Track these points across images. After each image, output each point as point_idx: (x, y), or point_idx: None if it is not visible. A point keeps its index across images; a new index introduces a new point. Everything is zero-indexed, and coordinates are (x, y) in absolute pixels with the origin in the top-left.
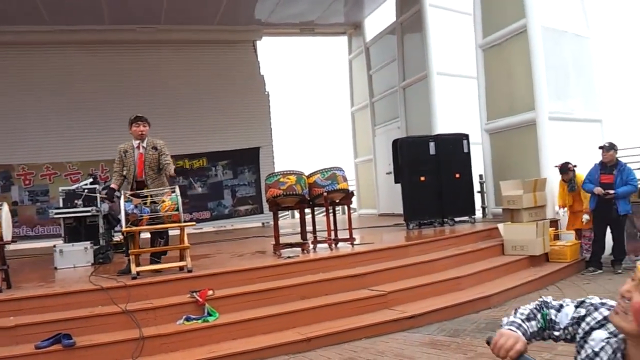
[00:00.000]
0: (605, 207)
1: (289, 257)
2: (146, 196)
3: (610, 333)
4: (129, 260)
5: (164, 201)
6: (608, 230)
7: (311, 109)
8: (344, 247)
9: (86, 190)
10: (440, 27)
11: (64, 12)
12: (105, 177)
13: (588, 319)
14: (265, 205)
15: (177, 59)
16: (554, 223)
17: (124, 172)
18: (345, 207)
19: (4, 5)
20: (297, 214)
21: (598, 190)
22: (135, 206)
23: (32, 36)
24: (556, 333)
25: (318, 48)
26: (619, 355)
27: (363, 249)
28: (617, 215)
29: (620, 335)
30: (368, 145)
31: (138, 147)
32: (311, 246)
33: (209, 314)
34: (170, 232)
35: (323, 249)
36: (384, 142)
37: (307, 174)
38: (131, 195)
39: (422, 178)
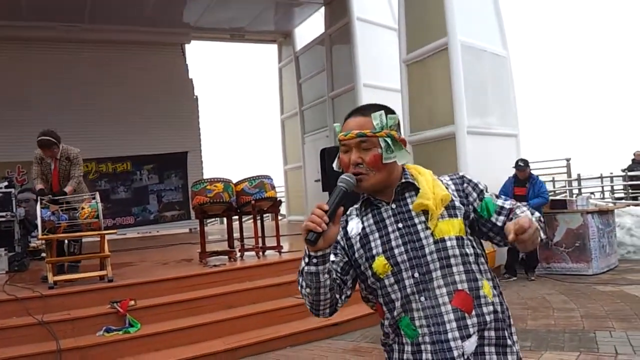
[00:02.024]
0: None
1: (215, 266)
2: (63, 203)
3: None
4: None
5: (83, 208)
6: None
7: (242, 115)
8: (271, 255)
9: (1, 194)
10: (368, 40)
11: None
12: (22, 179)
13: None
14: (192, 210)
15: (103, 59)
16: None
17: (43, 176)
18: (274, 215)
19: None
20: (225, 221)
21: None
22: (53, 213)
23: None
24: (332, 257)
25: (249, 54)
26: (383, 209)
27: (290, 257)
28: None
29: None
30: (297, 153)
31: (53, 159)
32: (238, 254)
33: (131, 325)
34: (91, 239)
35: (250, 257)
36: (313, 150)
37: (235, 181)
38: (49, 201)
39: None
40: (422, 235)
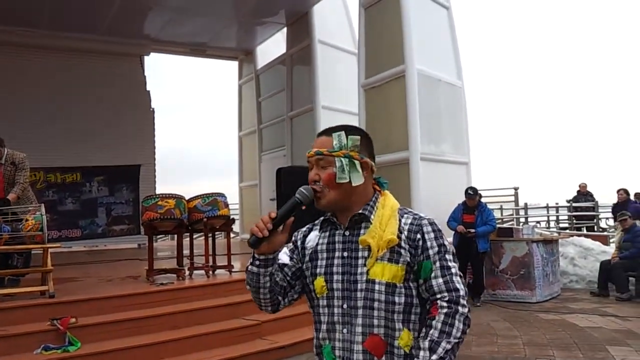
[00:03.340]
0: (467, 245)
1: (162, 284)
2: (7, 213)
3: (323, 231)
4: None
5: (27, 220)
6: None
7: (199, 130)
8: (221, 275)
9: None
10: (328, 63)
11: None
12: None
13: (300, 235)
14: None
15: (57, 66)
16: None
17: None
18: (226, 233)
19: None
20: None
21: (460, 228)
22: None
23: None
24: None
25: (210, 70)
26: (338, 232)
27: (241, 277)
28: (477, 252)
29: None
30: (254, 170)
31: None
32: (187, 273)
33: (70, 344)
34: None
35: (200, 276)
36: (270, 169)
37: (187, 198)
38: None
39: (303, 207)
40: (359, 270)
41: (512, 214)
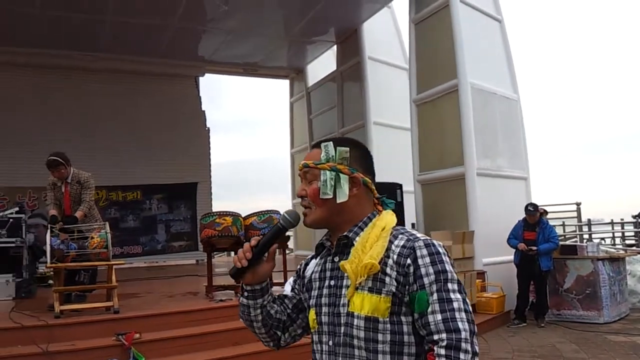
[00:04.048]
0: (529, 263)
1: (221, 300)
2: (73, 231)
3: (320, 257)
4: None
5: (92, 237)
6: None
7: (252, 148)
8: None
9: (11, 220)
10: (378, 79)
11: None
12: (32, 204)
13: (304, 262)
14: (199, 243)
15: (117, 88)
16: (481, 275)
17: (57, 202)
18: (281, 250)
19: None
20: (233, 254)
21: (522, 246)
22: (62, 241)
23: None
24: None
25: (261, 88)
26: (329, 259)
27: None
28: (540, 271)
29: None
30: None
31: (64, 182)
32: None
33: (135, 359)
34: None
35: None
36: None
37: (243, 215)
38: (59, 230)
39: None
40: (342, 301)
41: (575, 231)
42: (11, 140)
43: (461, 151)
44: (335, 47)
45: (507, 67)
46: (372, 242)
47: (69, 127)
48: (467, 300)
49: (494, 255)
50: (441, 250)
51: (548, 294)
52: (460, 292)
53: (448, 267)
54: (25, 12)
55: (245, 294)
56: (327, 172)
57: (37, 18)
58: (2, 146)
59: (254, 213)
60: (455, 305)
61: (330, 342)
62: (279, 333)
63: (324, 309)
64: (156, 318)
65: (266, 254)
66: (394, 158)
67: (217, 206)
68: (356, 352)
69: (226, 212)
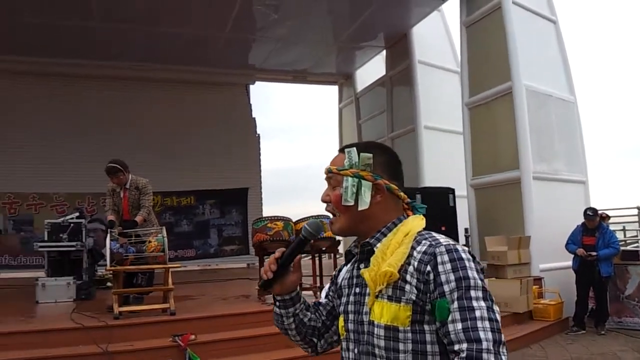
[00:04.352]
0: (588, 269)
1: (273, 304)
2: (131, 235)
3: (350, 263)
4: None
5: (150, 241)
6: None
7: (301, 154)
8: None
9: (72, 224)
10: (429, 83)
11: (57, 45)
12: (91, 210)
13: (338, 269)
14: (251, 247)
15: (171, 97)
16: (538, 281)
17: (115, 208)
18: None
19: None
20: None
21: (581, 251)
22: (121, 245)
23: (22, 67)
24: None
25: (310, 94)
26: (355, 266)
27: None
28: (600, 277)
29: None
30: None
31: (122, 188)
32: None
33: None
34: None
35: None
36: None
37: (294, 220)
38: (118, 234)
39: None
40: (364, 309)
41: (636, 236)
42: (72, 148)
43: (516, 155)
44: (384, 51)
45: (563, 69)
46: (393, 249)
47: (126, 134)
48: (495, 308)
49: (552, 261)
50: (464, 255)
51: (608, 301)
52: (485, 300)
53: (471, 273)
54: (91, 26)
55: (277, 303)
56: (350, 179)
57: (101, 32)
58: (63, 154)
59: (304, 218)
60: (477, 313)
61: (356, 350)
62: (314, 340)
63: (350, 317)
64: (211, 320)
65: (292, 265)
66: (446, 162)
67: (267, 211)
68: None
69: (277, 216)
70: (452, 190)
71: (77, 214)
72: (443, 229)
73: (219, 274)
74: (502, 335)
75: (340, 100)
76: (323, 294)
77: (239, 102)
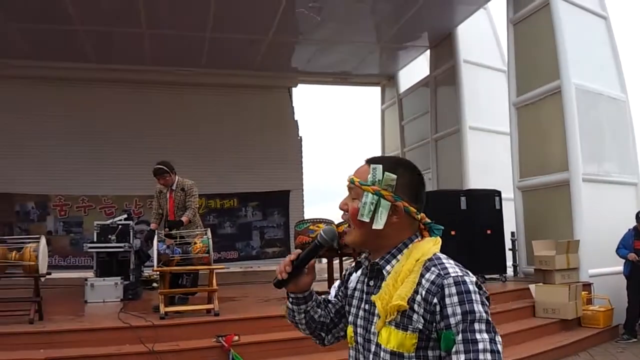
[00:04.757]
0: None
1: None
2: (182, 236)
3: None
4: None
5: (195, 243)
6: None
7: (342, 156)
8: None
9: (120, 226)
10: (474, 83)
11: (106, 51)
12: (138, 212)
13: (348, 271)
14: (293, 249)
15: (214, 101)
16: (587, 287)
17: (160, 211)
18: None
19: (52, 43)
20: (325, 260)
21: (632, 256)
22: (168, 246)
23: (74, 73)
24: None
25: (352, 96)
26: (366, 280)
27: None
28: None
29: (365, 261)
30: None
31: (169, 189)
32: None
33: None
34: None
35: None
36: None
37: (336, 222)
38: (165, 235)
39: (453, 232)
40: (373, 329)
41: None
42: (119, 152)
43: (565, 156)
44: (428, 51)
45: (614, 67)
46: (404, 277)
47: (172, 138)
48: (497, 339)
49: (601, 266)
50: (471, 287)
51: None
52: (488, 332)
53: (477, 306)
54: (138, 33)
55: (290, 299)
56: (370, 195)
57: (150, 38)
58: (112, 157)
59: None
60: (481, 346)
61: (371, 358)
62: (322, 334)
63: (359, 330)
64: (254, 321)
65: (306, 268)
66: (491, 164)
67: (309, 213)
68: None
69: (319, 219)
70: (499, 193)
71: (125, 215)
72: (488, 232)
73: (261, 276)
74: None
75: (382, 102)
76: (332, 292)
77: (282, 105)
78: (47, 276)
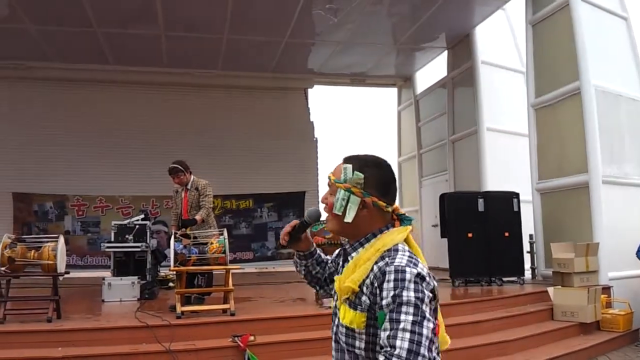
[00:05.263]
0: None
1: (330, 307)
2: (195, 237)
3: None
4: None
5: (212, 243)
6: None
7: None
8: None
9: (138, 226)
10: (492, 84)
11: (125, 53)
12: (155, 212)
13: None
14: None
15: (231, 102)
16: (606, 290)
17: (177, 210)
18: None
19: (71, 45)
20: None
21: None
22: (185, 246)
23: (93, 74)
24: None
25: (368, 97)
26: (341, 260)
27: None
28: None
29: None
30: (414, 196)
31: (184, 189)
32: None
33: None
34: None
35: None
36: (431, 194)
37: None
38: (181, 235)
39: (470, 234)
40: (337, 304)
41: None
42: (136, 153)
43: (584, 157)
44: (445, 52)
45: (635, 68)
46: (362, 264)
47: (187, 139)
48: (424, 323)
49: (621, 269)
50: (408, 276)
51: None
52: (414, 315)
53: (407, 292)
54: (155, 34)
55: (296, 254)
56: (342, 192)
57: (167, 40)
58: (129, 158)
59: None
60: (402, 325)
61: (335, 329)
62: (317, 287)
63: (333, 303)
64: (269, 322)
65: (302, 237)
66: (509, 165)
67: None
68: (342, 346)
69: None
70: (517, 195)
71: (143, 216)
72: (506, 234)
73: (276, 277)
74: (423, 348)
75: (399, 103)
76: (333, 256)
77: (298, 107)
78: (65, 275)
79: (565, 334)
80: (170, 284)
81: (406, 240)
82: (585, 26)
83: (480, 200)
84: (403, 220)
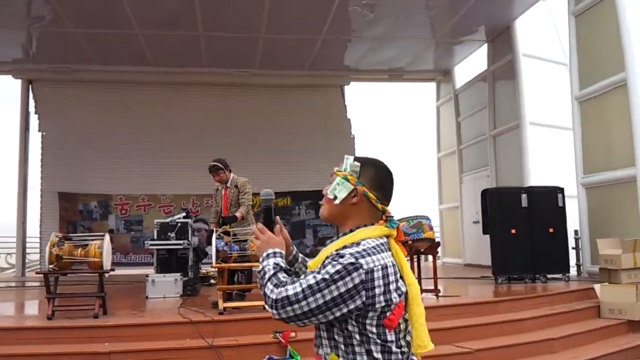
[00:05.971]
0: None
1: None
2: (234, 234)
3: None
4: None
5: (252, 240)
6: None
7: (396, 153)
8: (428, 299)
9: (179, 224)
10: (534, 77)
11: (165, 54)
12: (195, 210)
13: None
14: None
15: (268, 101)
16: None
17: (217, 208)
18: (430, 256)
19: (114, 47)
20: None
21: None
22: (226, 244)
23: (135, 76)
24: None
25: (406, 93)
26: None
27: (448, 302)
28: None
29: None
30: (454, 192)
31: (223, 186)
32: None
33: (291, 356)
34: (256, 270)
35: None
36: (471, 190)
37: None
38: (223, 232)
39: (513, 231)
40: None
41: None
42: (178, 152)
43: (631, 151)
44: (485, 45)
45: None
46: (324, 254)
47: (227, 138)
48: (312, 286)
49: None
50: (337, 262)
51: None
52: (313, 279)
53: (323, 268)
54: (194, 35)
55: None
56: (338, 178)
57: (206, 41)
58: (170, 158)
59: (403, 218)
60: (302, 280)
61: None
62: None
63: None
64: None
65: (274, 230)
66: (553, 160)
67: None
68: (322, 333)
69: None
70: (562, 190)
71: (184, 214)
72: (551, 231)
73: None
74: (300, 304)
75: (437, 98)
76: None
77: (334, 104)
78: (111, 272)
79: (613, 331)
80: (212, 281)
81: (390, 247)
82: (630, 15)
83: (524, 196)
84: (390, 222)
